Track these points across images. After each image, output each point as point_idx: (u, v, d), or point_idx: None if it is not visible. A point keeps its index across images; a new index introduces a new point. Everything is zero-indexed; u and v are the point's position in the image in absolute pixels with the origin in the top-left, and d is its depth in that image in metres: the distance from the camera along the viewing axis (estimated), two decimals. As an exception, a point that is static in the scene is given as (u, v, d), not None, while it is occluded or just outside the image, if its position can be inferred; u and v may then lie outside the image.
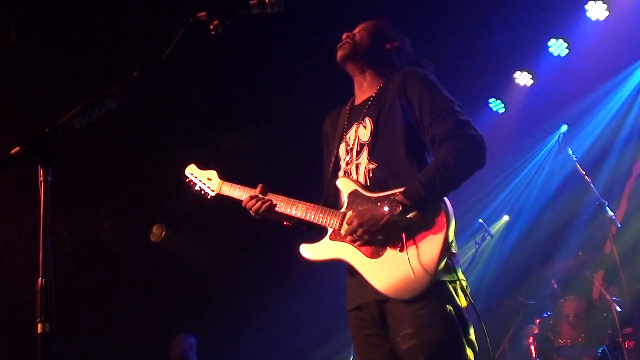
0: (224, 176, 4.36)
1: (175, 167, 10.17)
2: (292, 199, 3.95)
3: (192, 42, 3.08)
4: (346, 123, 3.99)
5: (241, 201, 4.06)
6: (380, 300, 3.50)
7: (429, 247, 3.36)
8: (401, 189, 3.47)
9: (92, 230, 10.57)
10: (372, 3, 8.38)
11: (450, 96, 3.67)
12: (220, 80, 9.13)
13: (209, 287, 11.13)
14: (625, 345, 7.65)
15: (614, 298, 7.96)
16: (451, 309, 3.37)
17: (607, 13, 8.95)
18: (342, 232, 3.64)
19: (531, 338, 8.87)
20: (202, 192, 4.42)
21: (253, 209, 3.98)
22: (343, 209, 3.74)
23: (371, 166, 3.71)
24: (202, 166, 4.47)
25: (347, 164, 3.87)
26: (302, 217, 3.86)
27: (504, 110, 10.86)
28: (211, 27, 3.15)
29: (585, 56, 9.52)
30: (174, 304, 10.82)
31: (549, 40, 9.59)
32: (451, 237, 3.42)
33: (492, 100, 10.84)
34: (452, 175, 3.41)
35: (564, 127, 10.09)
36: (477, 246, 9.35)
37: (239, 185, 4.18)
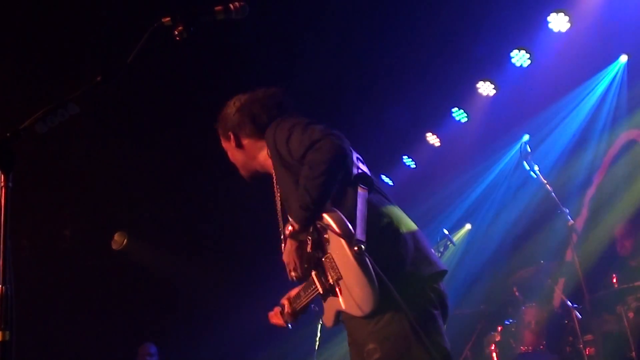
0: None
1: (137, 173, 10.20)
2: (298, 289, 4.10)
3: (157, 47, 3.07)
4: (275, 192, 4.11)
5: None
6: (350, 317, 3.55)
7: (346, 261, 3.43)
8: None
9: (52, 238, 10.47)
10: (335, 15, 8.45)
11: (299, 123, 3.68)
12: (185, 84, 9.09)
13: (171, 294, 11.09)
14: (586, 352, 7.72)
15: (575, 305, 8.03)
16: (405, 316, 3.37)
17: (569, 25, 9.04)
18: (322, 291, 3.71)
19: (493, 345, 8.93)
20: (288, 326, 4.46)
21: (290, 320, 4.26)
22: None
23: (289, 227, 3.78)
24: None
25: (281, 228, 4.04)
26: (306, 301, 4.04)
27: (466, 119, 10.92)
28: (176, 32, 3.13)
29: (547, 67, 9.61)
30: (135, 312, 10.76)
31: (511, 51, 9.67)
32: (346, 235, 3.41)
33: (455, 109, 10.90)
34: (316, 182, 3.42)
35: (526, 137, 10.21)
36: (439, 254, 9.38)
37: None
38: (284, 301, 4.24)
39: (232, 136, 4.14)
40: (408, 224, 3.67)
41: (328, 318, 3.77)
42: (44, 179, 9.36)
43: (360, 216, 3.41)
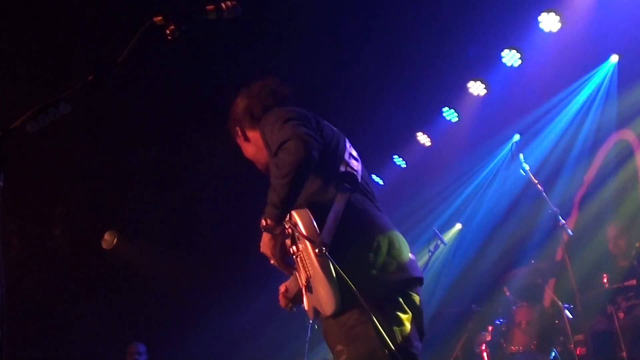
0: None
1: (126, 173, 10.17)
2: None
3: (148, 46, 3.05)
4: None
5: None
6: (324, 317, 3.57)
7: (310, 261, 3.46)
8: None
9: (42, 237, 10.44)
10: (326, 13, 8.44)
11: (281, 117, 3.69)
12: (176, 83, 9.07)
13: (160, 293, 11.07)
14: (576, 352, 7.73)
15: (565, 305, 8.05)
16: (369, 319, 3.36)
17: (560, 25, 9.05)
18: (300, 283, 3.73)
19: (484, 345, 8.95)
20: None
21: (289, 308, 4.17)
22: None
23: None
24: None
25: None
26: (297, 288, 3.97)
27: (457, 119, 10.93)
28: (168, 31, 3.12)
29: (538, 67, 9.62)
30: (125, 311, 10.74)
31: (502, 50, 9.67)
32: (311, 235, 3.43)
33: (445, 109, 10.90)
34: (281, 182, 3.43)
35: (517, 137, 10.24)
36: (430, 254, 9.37)
37: None
38: (282, 287, 4.19)
39: (238, 131, 4.18)
40: (384, 227, 3.65)
41: (308, 311, 3.76)
42: (34, 179, 9.33)
43: (333, 217, 3.45)
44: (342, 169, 3.71)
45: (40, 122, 2.88)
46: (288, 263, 3.72)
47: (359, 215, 3.60)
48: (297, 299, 4.06)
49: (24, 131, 2.83)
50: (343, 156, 3.76)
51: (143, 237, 10.97)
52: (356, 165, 3.82)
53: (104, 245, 10.81)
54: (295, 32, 8.82)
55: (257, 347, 10.90)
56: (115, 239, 10.81)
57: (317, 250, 3.29)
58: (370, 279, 3.42)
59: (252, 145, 4.15)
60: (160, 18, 3.11)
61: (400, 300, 3.50)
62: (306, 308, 3.77)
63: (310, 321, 8.77)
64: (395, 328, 3.42)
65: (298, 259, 3.60)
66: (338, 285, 3.34)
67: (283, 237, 3.61)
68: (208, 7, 3.26)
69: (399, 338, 3.41)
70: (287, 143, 3.45)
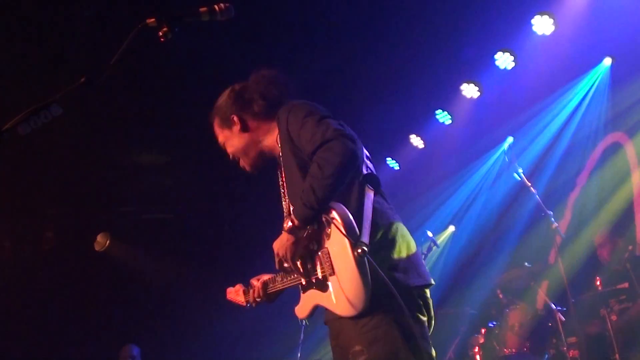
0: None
1: (120, 175, 10.16)
2: (272, 275, 4.12)
3: (141, 48, 3.04)
4: (279, 172, 4.04)
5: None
6: (337, 317, 3.53)
7: (343, 261, 3.39)
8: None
9: (35, 239, 10.41)
10: (319, 17, 8.44)
11: (315, 113, 3.66)
12: (168, 84, 9.06)
13: (153, 295, 11.05)
14: (569, 354, 7.73)
15: (558, 308, 8.05)
16: (393, 320, 3.36)
17: (553, 28, 9.06)
18: (304, 282, 3.72)
19: (477, 348, 8.94)
20: (243, 305, 4.57)
21: (259, 300, 4.24)
22: None
23: (292, 208, 3.72)
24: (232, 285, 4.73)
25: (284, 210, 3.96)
26: (284, 287, 4.03)
27: (450, 121, 10.94)
28: (160, 34, 3.11)
29: (531, 69, 9.63)
30: (118, 314, 10.71)
31: (495, 53, 9.68)
32: (351, 235, 3.35)
33: (439, 111, 10.91)
34: (322, 182, 3.38)
35: (510, 139, 10.22)
36: (423, 256, 9.37)
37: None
38: (255, 282, 4.24)
39: (236, 120, 4.06)
40: (404, 232, 3.66)
41: (303, 309, 3.76)
42: (26, 181, 9.31)
43: (367, 218, 3.40)
44: (364, 170, 3.69)
45: (32, 124, 2.88)
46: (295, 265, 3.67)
47: (382, 218, 3.59)
48: (272, 297, 4.15)
49: (15, 133, 2.82)
50: (363, 157, 3.71)
51: (136, 239, 10.95)
52: (371, 166, 3.83)
53: (97, 247, 10.79)
54: (288, 34, 8.82)
55: (249, 349, 10.88)
56: (108, 241, 10.79)
57: (359, 250, 3.21)
58: (395, 282, 3.38)
59: (248, 137, 4.07)
60: (153, 20, 3.11)
61: (419, 302, 3.52)
62: (301, 305, 3.77)
63: (304, 323, 8.77)
64: (417, 330, 3.43)
65: (319, 255, 3.54)
66: (371, 287, 3.31)
67: (308, 240, 3.56)
68: (201, 9, 3.26)
69: (420, 340, 3.42)
70: (331, 142, 3.41)
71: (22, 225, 9.90)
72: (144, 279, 10.97)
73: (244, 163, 4.12)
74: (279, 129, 3.86)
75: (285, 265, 3.65)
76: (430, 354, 3.44)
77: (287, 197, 3.87)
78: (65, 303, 10.29)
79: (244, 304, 4.50)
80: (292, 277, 3.87)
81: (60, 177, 9.71)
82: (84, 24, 8.03)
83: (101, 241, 10.84)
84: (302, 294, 3.79)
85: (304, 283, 3.71)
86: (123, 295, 10.85)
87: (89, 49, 7.87)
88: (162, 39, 3.11)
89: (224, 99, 4.14)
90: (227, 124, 4.10)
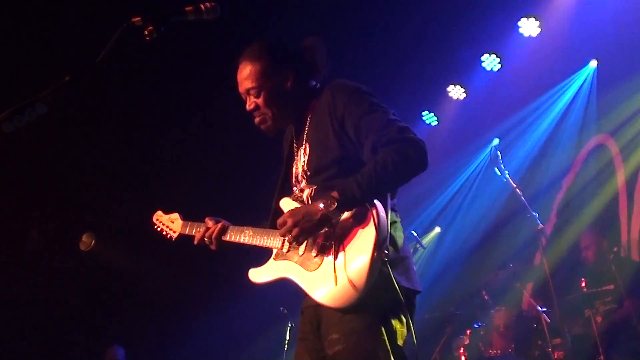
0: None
1: (104, 174, 10.11)
2: (240, 226, 3.96)
3: (126, 47, 3.03)
4: (295, 145, 3.93)
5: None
6: (318, 305, 3.46)
7: (358, 254, 3.30)
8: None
9: (20, 238, 10.36)
10: (304, 16, 8.42)
11: (383, 105, 3.58)
12: (154, 83, 9.03)
13: (139, 296, 11.00)
14: (554, 355, 7.75)
15: (543, 309, 8.07)
16: (379, 315, 3.34)
17: (539, 30, 9.10)
18: (284, 249, 3.63)
19: (462, 349, 8.95)
20: (167, 235, 4.45)
21: (207, 241, 4.04)
22: None
23: (312, 188, 3.67)
24: (167, 210, 4.54)
25: (296, 188, 3.84)
26: (250, 243, 3.86)
27: (436, 123, 10.96)
28: (146, 32, 3.09)
29: (517, 71, 9.67)
30: (103, 314, 10.67)
31: (482, 55, 9.71)
32: (382, 238, 3.30)
33: (425, 113, 10.93)
34: (389, 177, 3.34)
35: (496, 141, 10.26)
36: (409, 258, 9.36)
37: (197, 223, 4.22)
38: (210, 221, 4.07)
39: (291, 75, 3.84)
40: (404, 236, 3.62)
41: (264, 275, 3.71)
42: (10, 180, 9.26)
43: (386, 219, 3.37)
44: None
45: (16, 122, 2.86)
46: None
47: (394, 220, 3.55)
48: (223, 245, 3.97)
49: (-1, 132, 2.80)
50: None
51: (122, 239, 10.90)
52: None
53: (82, 247, 10.70)
54: (271, 33, 8.79)
55: (237, 350, 10.85)
56: (93, 241, 10.70)
57: (385, 252, 3.24)
58: (395, 284, 3.34)
59: (289, 96, 3.82)
60: (138, 19, 3.09)
61: (403, 302, 3.42)
62: (268, 272, 3.70)
63: (290, 324, 8.77)
64: (400, 330, 3.39)
65: (329, 238, 3.43)
66: (370, 288, 3.25)
67: (332, 228, 3.41)
68: (187, 8, 3.24)
69: (400, 340, 3.38)
70: (409, 144, 3.36)
71: (6, 224, 9.83)
72: (130, 280, 10.92)
73: (268, 119, 3.85)
74: (318, 102, 3.75)
75: (299, 237, 3.44)
76: (406, 357, 3.39)
77: (305, 176, 3.75)
78: (50, 304, 10.23)
79: (174, 236, 4.38)
80: (272, 239, 3.74)
81: (45, 176, 9.66)
82: (70, 22, 8.00)
83: (86, 241, 10.69)
84: (272, 260, 3.71)
85: (284, 251, 3.63)
86: (108, 296, 10.80)
87: (75, 47, 7.83)
88: (147, 38, 3.10)
89: (278, 46, 3.92)
90: (277, 74, 3.82)
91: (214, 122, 9.56)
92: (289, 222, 3.43)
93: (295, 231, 3.41)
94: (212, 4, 3.27)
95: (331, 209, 3.33)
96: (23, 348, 9.84)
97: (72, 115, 8.76)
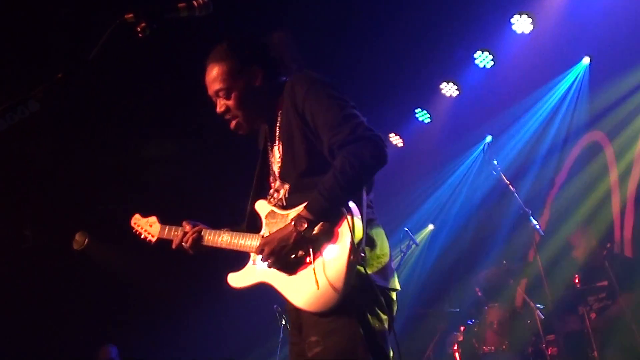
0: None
1: (97, 172, 10.09)
2: (217, 230, 3.97)
3: (119, 44, 3.02)
4: (269, 143, 3.87)
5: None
6: (298, 309, 3.46)
7: (335, 259, 3.29)
8: (305, 204, 3.40)
9: (13, 237, 10.33)
10: (296, 16, 8.41)
11: (341, 99, 3.52)
12: (144, 86, 9.00)
13: (132, 295, 10.99)
14: (548, 352, 7.76)
15: (537, 305, 8.08)
16: (356, 315, 3.31)
17: (531, 27, 9.12)
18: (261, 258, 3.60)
19: (456, 345, 8.96)
20: (147, 239, 4.49)
21: (184, 246, 4.08)
22: (262, 232, 3.69)
23: (285, 187, 3.66)
24: (145, 214, 4.55)
25: (271, 188, 3.81)
26: (228, 247, 3.86)
27: (429, 120, 10.97)
28: (138, 29, 3.08)
29: (510, 68, 9.67)
30: (96, 313, 10.65)
31: (475, 52, 9.72)
32: (357, 240, 3.29)
33: (418, 110, 10.94)
34: (351, 181, 3.30)
35: (489, 138, 10.27)
36: (402, 254, 9.39)
37: (175, 227, 4.23)
38: (187, 225, 4.08)
39: (258, 73, 3.78)
40: (384, 236, 3.60)
41: (243, 280, 3.73)
42: (3, 178, 9.23)
43: (361, 221, 3.34)
44: None
45: (8, 120, 2.85)
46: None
47: (370, 220, 3.53)
48: (201, 249, 4.02)
49: (-8, 129, 2.79)
50: None
51: (114, 238, 10.87)
52: None
53: (75, 246, 10.66)
54: (262, 33, 8.78)
55: (230, 348, 10.84)
56: (87, 240, 10.68)
57: (362, 255, 3.24)
58: (371, 282, 3.33)
59: (258, 95, 3.76)
60: (131, 16, 3.07)
61: (382, 299, 3.42)
62: (246, 277, 3.71)
63: (283, 322, 8.76)
64: (377, 326, 3.37)
65: (306, 244, 3.38)
66: (346, 294, 3.23)
67: (307, 242, 3.36)
68: (179, 5, 3.23)
69: (379, 337, 3.37)
70: (367, 140, 3.31)
71: (-1, 223, 9.83)
72: (123, 278, 10.90)
73: (241, 120, 3.81)
74: (284, 98, 3.67)
75: (273, 266, 3.46)
76: (386, 353, 3.39)
77: (278, 176, 3.72)
78: (43, 302, 10.22)
79: (153, 240, 4.41)
80: (249, 243, 3.72)
81: (38, 174, 9.65)
82: (62, 19, 7.97)
83: (79, 240, 10.68)
84: (250, 264, 3.71)
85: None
86: (101, 295, 10.78)
87: (67, 45, 7.81)
88: (139, 35, 3.08)
89: (244, 45, 3.84)
90: (245, 73, 3.76)
91: (208, 122, 9.54)
92: (266, 250, 3.45)
93: (272, 259, 3.44)
94: (205, 0, 3.26)
95: (303, 228, 3.33)
96: (16, 347, 9.81)
97: (66, 114, 8.75)
